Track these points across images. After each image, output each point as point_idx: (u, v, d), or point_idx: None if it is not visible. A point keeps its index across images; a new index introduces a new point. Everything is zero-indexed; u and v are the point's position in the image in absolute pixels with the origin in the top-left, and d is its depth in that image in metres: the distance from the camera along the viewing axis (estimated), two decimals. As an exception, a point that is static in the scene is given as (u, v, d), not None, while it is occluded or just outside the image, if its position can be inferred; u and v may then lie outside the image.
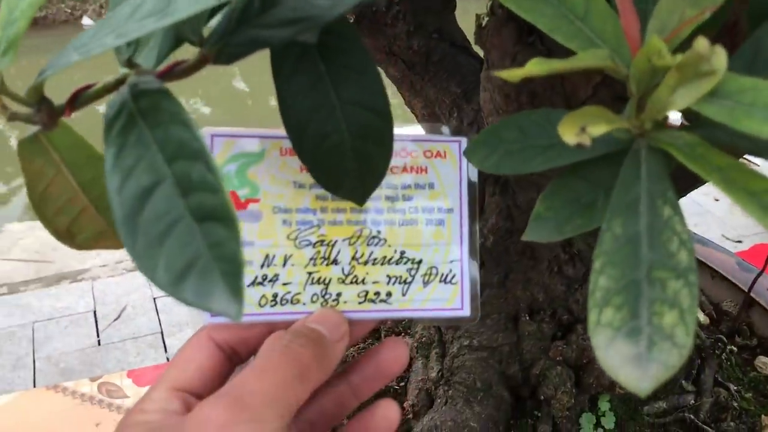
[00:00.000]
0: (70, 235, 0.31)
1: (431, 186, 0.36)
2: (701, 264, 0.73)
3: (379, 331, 0.67)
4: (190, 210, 0.22)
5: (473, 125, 0.50)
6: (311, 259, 0.35)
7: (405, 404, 0.58)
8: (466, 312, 0.37)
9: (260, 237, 0.35)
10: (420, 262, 0.36)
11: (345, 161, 0.30)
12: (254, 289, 0.34)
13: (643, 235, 0.24)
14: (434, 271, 0.37)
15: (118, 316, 1.65)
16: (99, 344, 1.58)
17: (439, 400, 0.55)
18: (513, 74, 0.22)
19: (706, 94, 0.23)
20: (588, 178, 0.30)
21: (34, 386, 1.44)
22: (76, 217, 0.31)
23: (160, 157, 0.23)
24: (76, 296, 1.73)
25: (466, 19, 0.49)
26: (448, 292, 0.37)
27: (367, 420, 0.35)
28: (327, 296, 0.35)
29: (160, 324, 1.63)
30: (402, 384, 0.61)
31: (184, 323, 1.62)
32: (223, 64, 0.26)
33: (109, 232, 0.31)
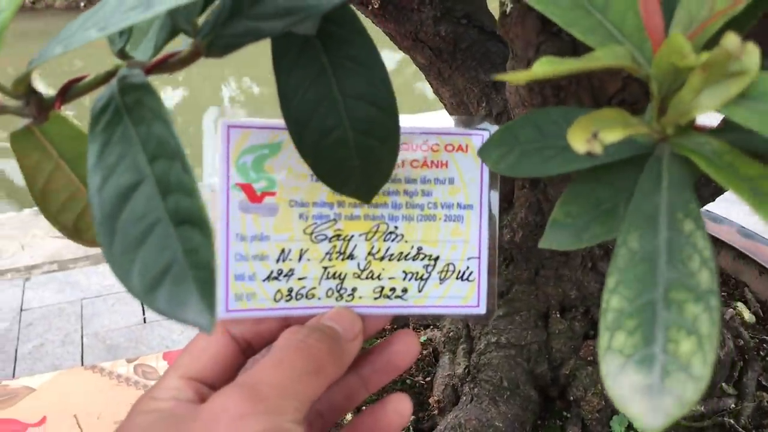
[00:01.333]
0: (77, 232, 0.31)
1: (451, 181, 0.35)
2: (748, 258, 0.69)
3: (408, 322, 0.65)
4: (168, 212, 0.21)
5: (503, 115, 0.48)
6: (327, 253, 0.34)
7: (431, 400, 0.57)
8: (482, 310, 0.36)
9: (276, 231, 0.34)
10: (437, 258, 0.35)
11: (349, 158, 0.29)
12: (269, 284, 0.34)
13: (661, 251, 0.22)
14: (451, 268, 0.35)
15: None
16: (144, 322, 1.60)
17: (464, 398, 0.53)
18: (517, 77, 0.20)
19: (736, 96, 0.21)
20: (610, 183, 0.28)
21: (82, 362, 1.48)
22: (81, 213, 0.30)
23: (143, 155, 0.22)
24: (122, 274, 1.76)
25: (496, 3, 0.47)
26: (464, 290, 0.36)
27: (379, 413, 0.34)
28: (342, 291, 0.35)
29: (203, 303, 1.65)
30: (428, 379, 0.60)
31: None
32: (215, 56, 0.25)
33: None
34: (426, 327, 0.64)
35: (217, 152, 0.32)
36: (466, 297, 0.36)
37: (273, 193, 0.34)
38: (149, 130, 0.23)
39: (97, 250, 1.87)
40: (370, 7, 0.47)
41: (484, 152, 0.29)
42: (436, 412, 0.56)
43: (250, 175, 0.33)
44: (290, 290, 0.34)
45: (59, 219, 0.30)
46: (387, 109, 0.29)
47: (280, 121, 0.34)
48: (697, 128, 0.24)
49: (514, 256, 0.53)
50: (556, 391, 0.55)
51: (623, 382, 0.20)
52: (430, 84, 0.52)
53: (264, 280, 0.34)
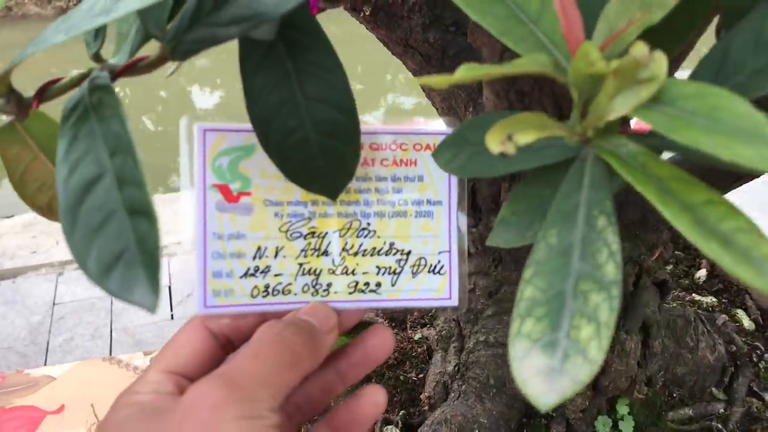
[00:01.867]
0: (50, 210, 0.34)
1: (420, 178, 0.36)
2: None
3: (405, 321, 0.67)
4: (124, 203, 0.24)
5: (489, 120, 0.49)
6: (302, 250, 0.36)
7: (422, 396, 0.58)
8: (455, 302, 0.37)
9: (252, 229, 0.35)
10: (409, 253, 0.37)
11: (312, 158, 0.31)
12: (246, 281, 0.35)
13: (576, 246, 0.23)
14: (423, 261, 0.37)
15: (191, 293, 1.72)
16: (172, 318, 1.65)
17: (452, 394, 0.55)
18: (435, 81, 0.22)
19: (648, 101, 0.22)
20: (552, 183, 0.29)
21: (111, 356, 1.53)
22: (54, 195, 0.33)
23: (105, 150, 0.25)
24: (152, 272, 1.81)
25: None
26: (436, 283, 0.37)
27: (355, 405, 0.35)
28: (317, 287, 0.36)
29: (230, 302, 1.69)
30: (421, 376, 0.61)
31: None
32: (178, 60, 0.27)
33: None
34: (423, 326, 0.66)
35: (194, 155, 0.34)
36: (439, 290, 0.37)
37: (248, 193, 0.35)
38: (109, 127, 0.25)
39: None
40: (362, 14, 0.49)
41: (437, 153, 0.31)
42: (426, 408, 0.57)
43: (226, 176, 0.35)
44: (267, 286, 0.36)
45: (35, 200, 0.33)
46: (347, 112, 0.30)
47: None
48: (623, 131, 0.25)
49: (503, 257, 0.54)
50: (541, 390, 0.55)
51: (528, 364, 0.22)
52: (422, 89, 0.54)
53: (241, 277, 0.35)
